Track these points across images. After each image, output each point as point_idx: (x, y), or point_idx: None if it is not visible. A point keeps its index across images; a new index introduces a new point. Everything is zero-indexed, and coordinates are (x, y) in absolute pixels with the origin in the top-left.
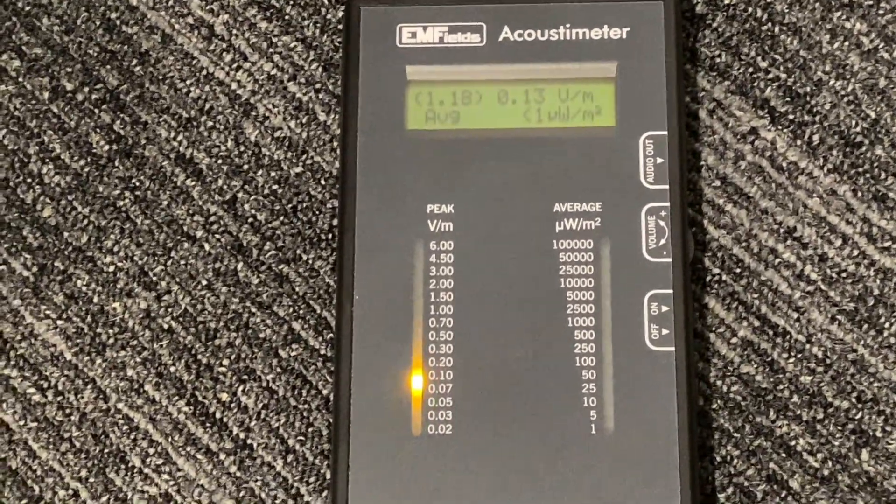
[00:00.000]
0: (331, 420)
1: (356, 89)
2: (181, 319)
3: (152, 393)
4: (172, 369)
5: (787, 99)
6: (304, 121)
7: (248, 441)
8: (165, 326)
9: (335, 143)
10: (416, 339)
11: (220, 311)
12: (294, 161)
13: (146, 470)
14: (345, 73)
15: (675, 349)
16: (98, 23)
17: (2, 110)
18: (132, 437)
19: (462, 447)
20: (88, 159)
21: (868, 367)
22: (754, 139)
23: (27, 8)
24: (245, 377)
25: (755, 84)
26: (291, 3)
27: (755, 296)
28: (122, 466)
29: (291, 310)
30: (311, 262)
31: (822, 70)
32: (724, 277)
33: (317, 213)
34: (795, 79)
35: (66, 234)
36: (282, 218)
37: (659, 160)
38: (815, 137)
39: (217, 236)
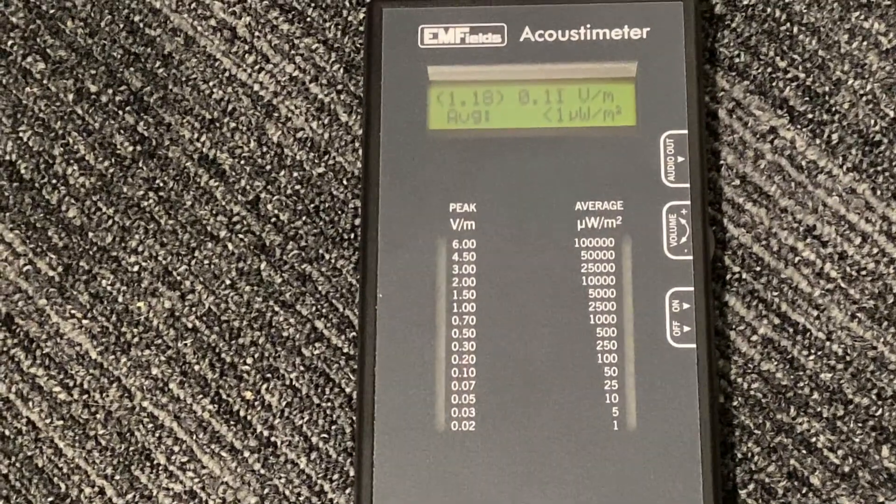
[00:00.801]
0: (354, 418)
1: (378, 90)
2: (205, 318)
3: (177, 391)
4: (197, 368)
5: (806, 98)
6: (326, 122)
7: (272, 439)
8: (189, 325)
9: (357, 144)
10: (438, 336)
11: (244, 311)
12: (316, 161)
13: (171, 467)
14: (367, 74)
15: (697, 346)
16: (121, 25)
17: (27, 112)
18: (157, 434)
19: (485, 443)
20: (113, 160)
21: (888, 364)
22: (774, 138)
23: (51, 11)
24: (268, 375)
25: (774, 84)
26: (313, 5)
27: (775, 294)
28: (148, 464)
29: (314, 308)
30: (333, 261)
31: (841, 69)
32: (744, 275)
33: (339, 212)
34: (814, 78)
35: (90, 234)
36: (304, 218)
37: (679, 159)
38: (835, 136)
39: (240, 236)
